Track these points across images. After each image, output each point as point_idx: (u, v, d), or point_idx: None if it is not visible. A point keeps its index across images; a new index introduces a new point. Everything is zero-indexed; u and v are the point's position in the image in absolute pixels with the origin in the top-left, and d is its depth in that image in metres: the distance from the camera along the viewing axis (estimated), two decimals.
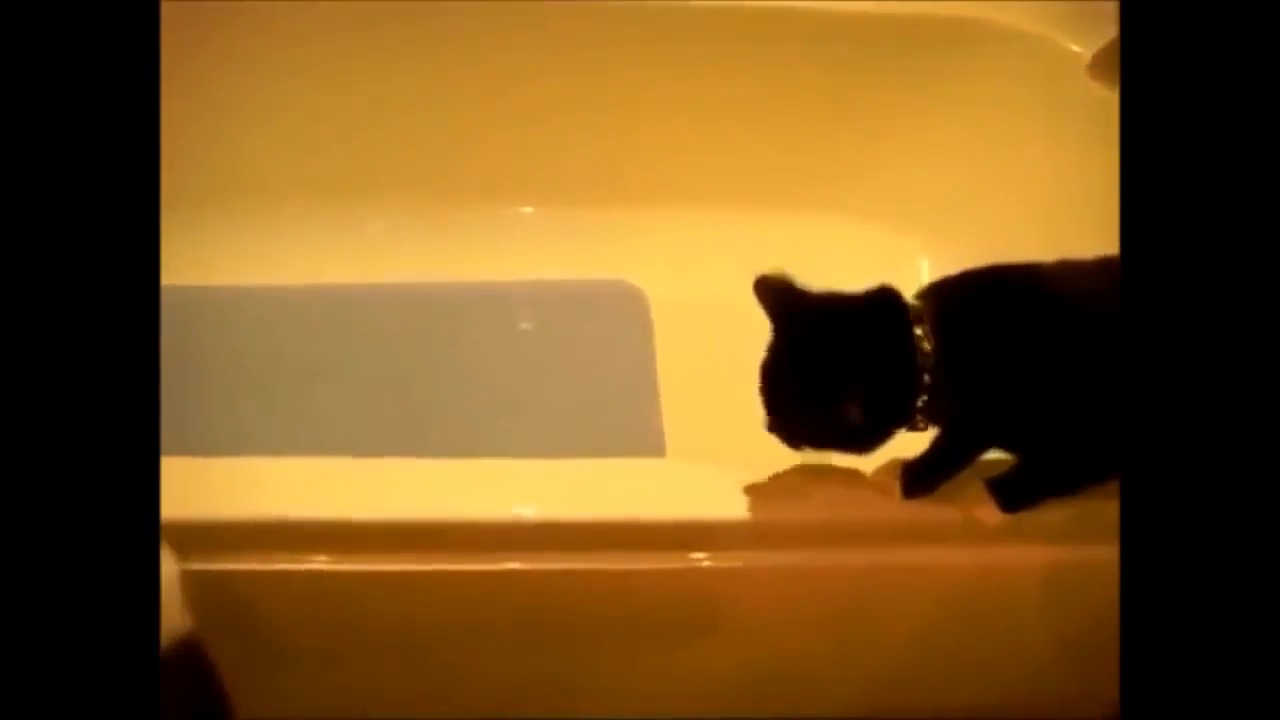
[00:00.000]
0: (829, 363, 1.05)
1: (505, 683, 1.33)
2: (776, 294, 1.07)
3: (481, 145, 1.74)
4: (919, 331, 1.03)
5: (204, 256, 1.66)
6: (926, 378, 1.03)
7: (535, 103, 1.70)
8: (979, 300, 1.08)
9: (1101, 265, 1.06)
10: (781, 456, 1.11)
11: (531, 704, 1.37)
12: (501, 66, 1.67)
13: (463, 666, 1.31)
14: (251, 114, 1.68)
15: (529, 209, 1.81)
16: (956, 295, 1.07)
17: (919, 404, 1.04)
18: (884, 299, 1.06)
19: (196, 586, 1.04)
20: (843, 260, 1.66)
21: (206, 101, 1.65)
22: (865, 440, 1.07)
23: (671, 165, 1.76)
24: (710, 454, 1.13)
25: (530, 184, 1.78)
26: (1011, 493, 1.10)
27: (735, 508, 1.13)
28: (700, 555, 1.17)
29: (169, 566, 1.03)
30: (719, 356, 1.58)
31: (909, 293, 1.08)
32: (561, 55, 1.67)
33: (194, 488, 1.09)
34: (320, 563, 1.12)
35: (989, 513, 1.10)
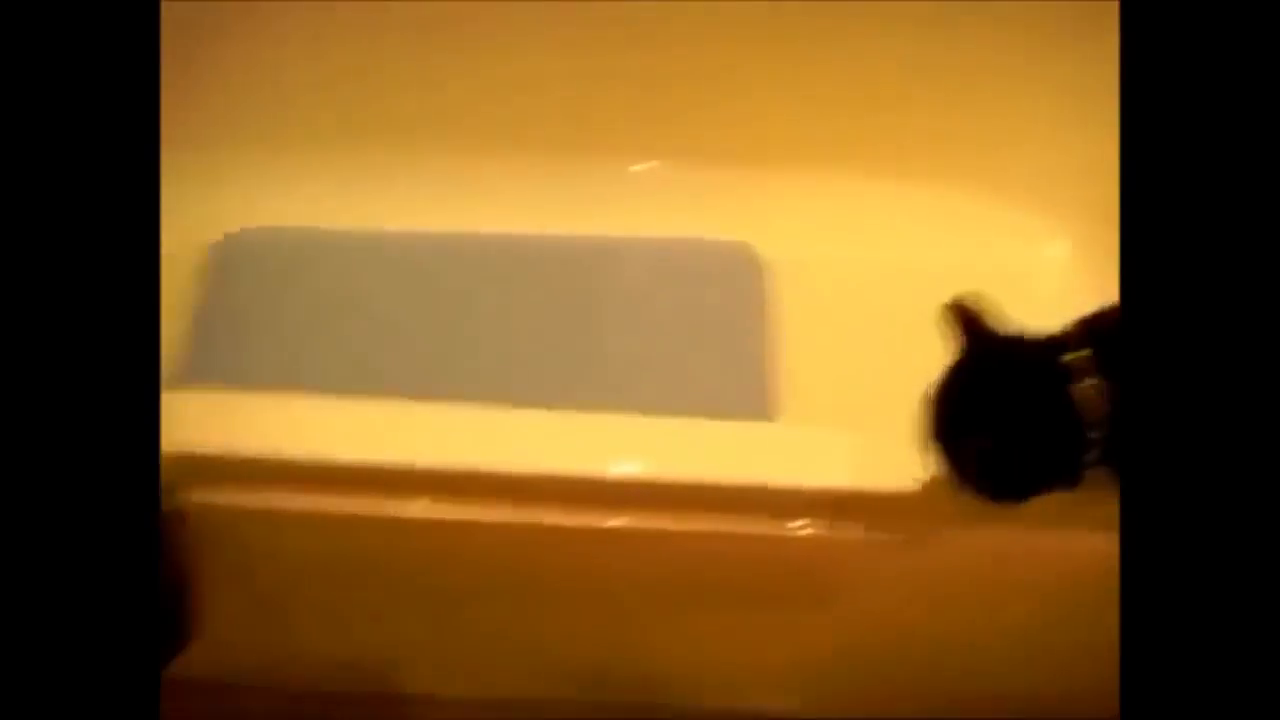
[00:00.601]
0: (974, 401, 1.02)
1: (591, 644, 1.33)
2: (964, 320, 1.03)
3: (606, 97, 1.70)
4: (1085, 383, 0.96)
5: (324, 195, 1.71)
6: (1093, 434, 0.96)
7: (667, 58, 1.67)
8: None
9: None
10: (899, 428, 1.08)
11: (614, 670, 1.37)
12: (633, 18, 1.64)
13: (546, 625, 1.31)
14: (381, 56, 1.68)
15: (651, 164, 1.77)
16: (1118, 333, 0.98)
17: (1086, 460, 0.97)
18: (1051, 346, 0.99)
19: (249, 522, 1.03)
20: (973, 238, 1.65)
21: (329, 41, 1.66)
22: (1003, 490, 1.02)
23: (807, 126, 1.71)
24: (823, 421, 1.10)
25: (653, 139, 1.74)
26: None
27: (839, 475, 1.11)
28: (799, 523, 1.15)
29: None
30: (838, 326, 1.59)
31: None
32: (696, 15, 1.63)
33: (274, 424, 1.11)
34: (418, 509, 1.13)
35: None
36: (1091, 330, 1.00)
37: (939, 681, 1.38)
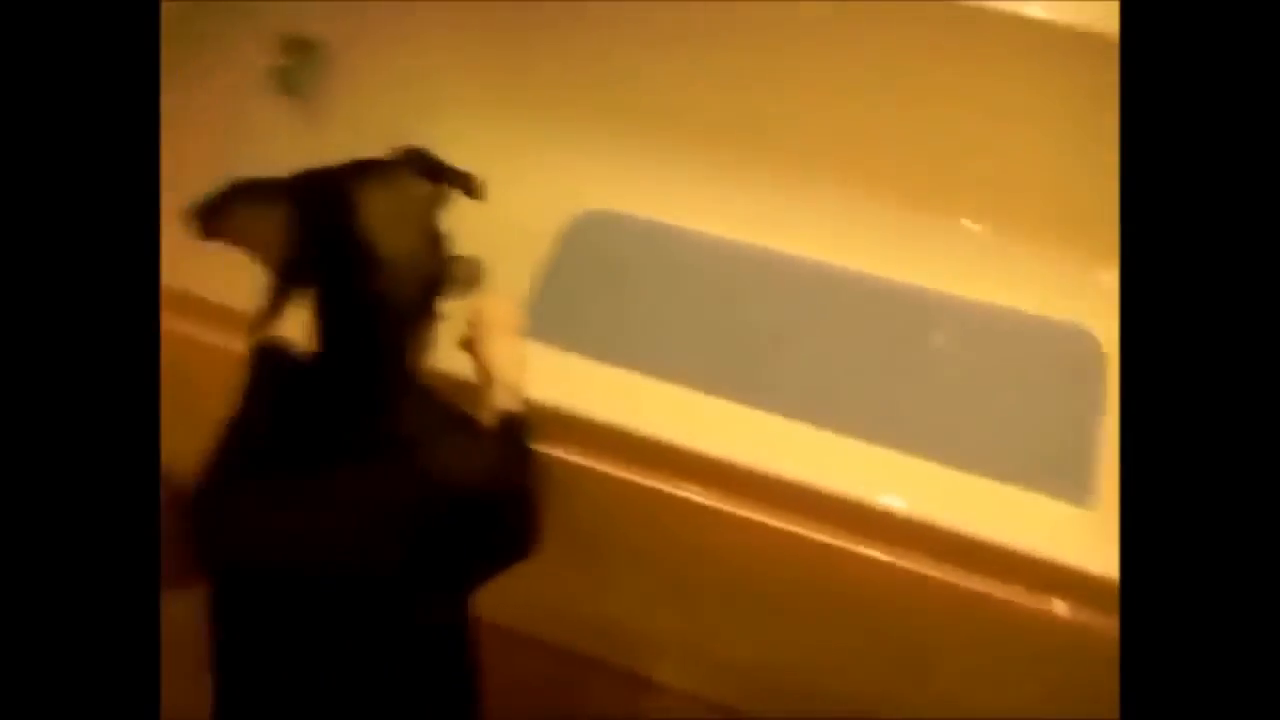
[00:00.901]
0: None
1: (827, 668, 1.34)
2: None
3: (947, 153, 1.73)
4: None
5: (678, 193, 1.84)
6: None
7: (1015, 127, 1.67)
8: None
9: None
10: None
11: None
12: (972, 78, 1.66)
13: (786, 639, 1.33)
14: (733, 76, 1.77)
15: (978, 226, 1.78)
16: None
17: None
18: None
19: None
20: None
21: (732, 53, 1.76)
22: None
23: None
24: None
25: (984, 201, 1.75)
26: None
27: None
28: (1061, 603, 1.14)
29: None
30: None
31: None
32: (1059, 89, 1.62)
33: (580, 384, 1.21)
34: (692, 490, 1.20)
35: None
36: None
37: None
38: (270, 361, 1.03)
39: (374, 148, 1.14)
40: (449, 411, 1.12)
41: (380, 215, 1.08)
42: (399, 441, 1.04)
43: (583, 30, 1.80)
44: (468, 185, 1.17)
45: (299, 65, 1.59)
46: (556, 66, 1.86)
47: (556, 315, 1.73)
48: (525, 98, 1.88)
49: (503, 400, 1.16)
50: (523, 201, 1.73)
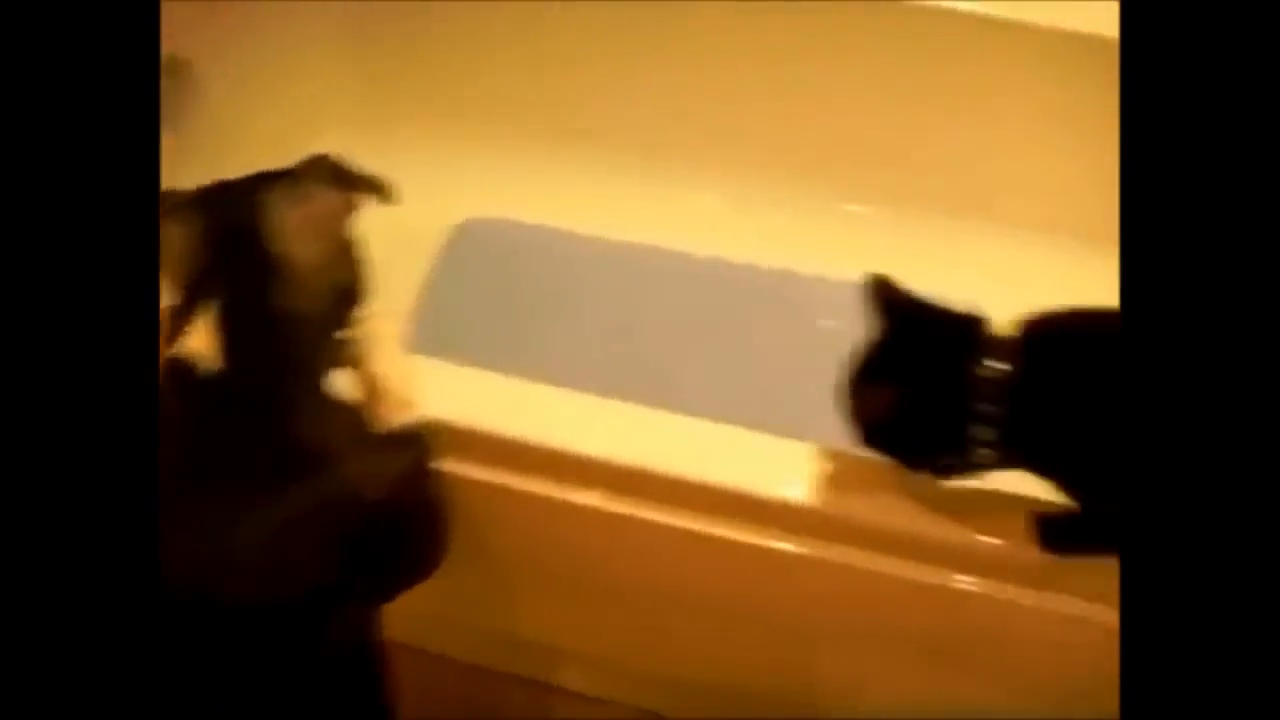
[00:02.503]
0: (883, 356, 1.06)
1: (738, 663, 1.36)
2: (881, 293, 1.08)
3: (826, 135, 1.75)
4: (990, 363, 1.00)
5: (556, 195, 1.82)
6: (987, 407, 0.99)
7: (892, 104, 1.70)
8: (1076, 344, 1.02)
9: None
10: None
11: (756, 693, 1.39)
12: (868, 67, 1.68)
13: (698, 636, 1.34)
14: (611, 71, 1.78)
15: (858, 207, 1.80)
16: (1056, 333, 1.02)
17: (979, 434, 1.00)
18: (967, 322, 1.04)
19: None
20: None
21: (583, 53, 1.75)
22: (895, 444, 1.06)
23: (1047, 188, 1.71)
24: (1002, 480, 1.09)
25: (864, 181, 1.77)
26: (1057, 533, 1.05)
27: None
28: (966, 578, 1.15)
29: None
30: None
31: None
32: (939, 65, 1.65)
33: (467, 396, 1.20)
34: (592, 499, 1.19)
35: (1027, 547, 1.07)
36: (1033, 318, 1.03)
37: None
38: (177, 377, 1.00)
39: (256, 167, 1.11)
40: (358, 426, 1.10)
41: (289, 225, 1.06)
42: (307, 457, 1.02)
43: (455, 36, 1.79)
44: (378, 190, 1.15)
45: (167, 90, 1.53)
46: (430, 74, 1.84)
47: (442, 326, 1.70)
48: (400, 108, 1.86)
49: (396, 416, 1.14)
50: (402, 212, 1.68)
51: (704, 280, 1.76)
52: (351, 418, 1.10)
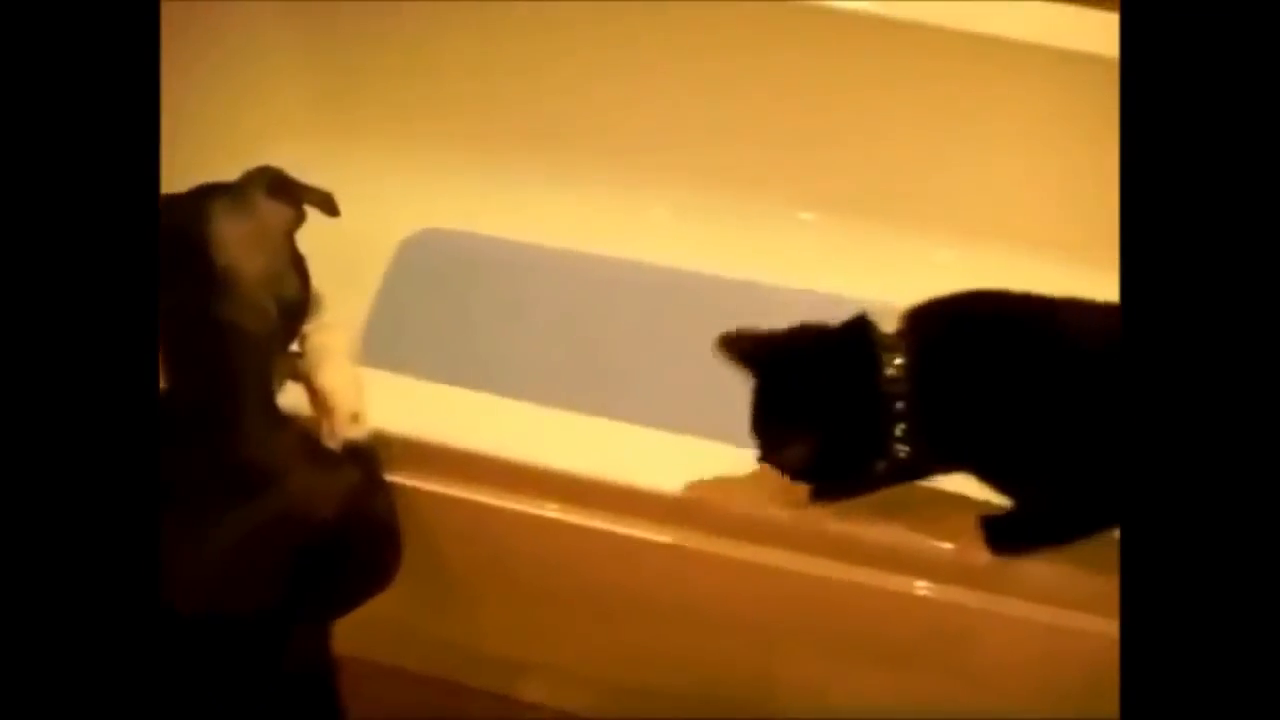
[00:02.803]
0: (783, 400, 1.03)
1: (696, 667, 1.37)
2: (742, 346, 1.05)
3: (775, 145, 1.75)
4: (890, 360, 1.00)
5: (511, 206, 1.81)
6: (900, 405, 0.99)
7: (833, 111, 1.70)
8: (962, 326, 1.03)
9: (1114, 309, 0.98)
10: None
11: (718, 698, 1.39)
12: (803, 70, 1.69)
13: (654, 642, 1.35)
14: (563, 80, 1.77)
15: (810, 215, 1.80)
16: (938, 319, 1.03)
17: (896, 433, 1.00)
18: (853, 330, 1.03)
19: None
20: None
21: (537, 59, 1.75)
22: (833, 475, 1.05)
23: (993, 198, 1.71)
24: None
25: (815, 189, 1.78)
26: (1002, 533, 1.05)
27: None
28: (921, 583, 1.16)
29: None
30: None
31: None
32: (876, 70, 1.66)
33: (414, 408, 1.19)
34: (545, 507, 1.19)
35: (977, 551, 1.06)
36: (915, 308, 1.03)
37: None
38: None
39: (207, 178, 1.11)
40: (306, 442, 1.09)
41: (234, 239, 1.06)
42: (254, 475, 1.01)
43: (404, 45, 1.78)
44: (322, 202, 1.15)
45: None
46: (384, 86, 1.82)
47: (394, 339, 1.68)
48: (354, 120, 1.84)
49: (345, 430, 1.13)
50: (356, 223, 1.67)
51: (658, 290, 1.76)
52: (299, 434, 1.08)
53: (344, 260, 1.61)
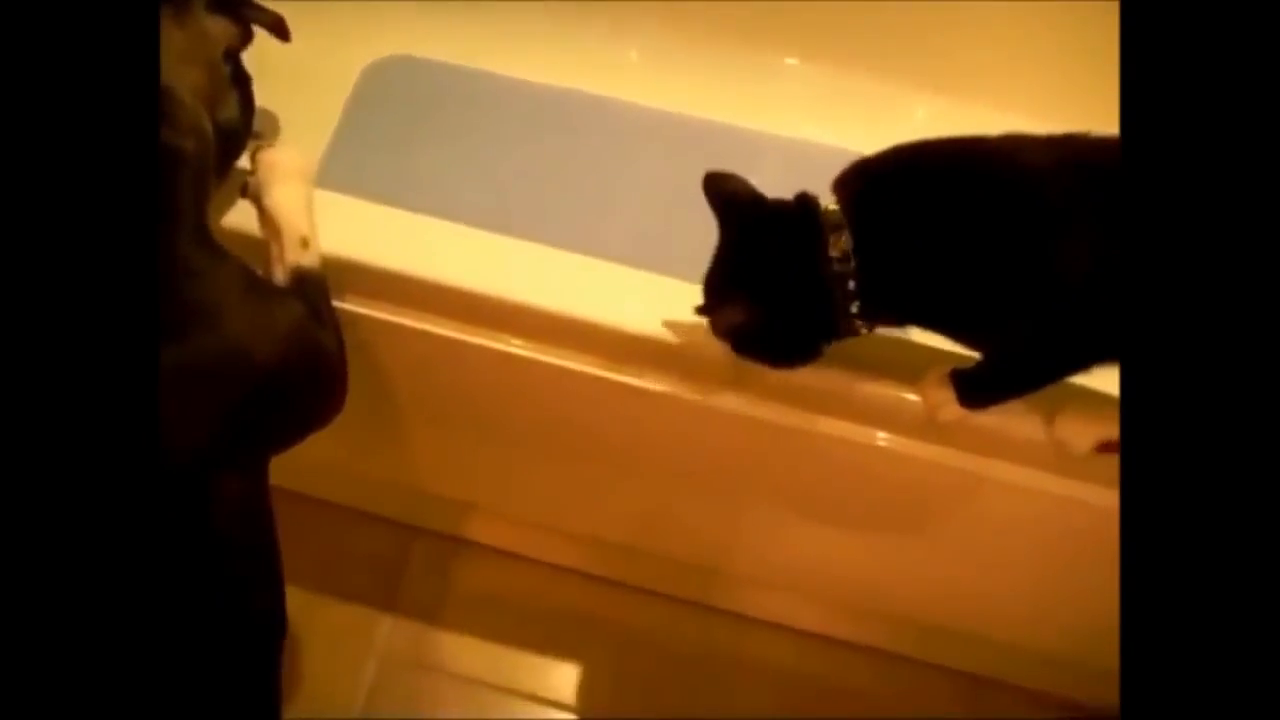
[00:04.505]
0: (731, 265, 1.03)
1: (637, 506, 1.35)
2: (718, 191, 1.05)
3: None
4: (834, 240, 0.97)
5: (481, 37, 1.75)
6: (851, 285, 0.98)
7: None
8: (895, 184, 1.00)
9: (1054, 141, 0.97)
10: None
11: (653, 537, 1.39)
12: None
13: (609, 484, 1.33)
14: None
15: (794, 60, 1.74)
16: (870, 182, 1.00)
17: (853, 310, 0.99)
18: (799, 209, 1.01)
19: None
20: None
21: None
22: (768, 354, 1.04)
23: (981, 56, 1.66)
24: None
25: (802, 35, 1.72)
26: (971, 385, 1.04)
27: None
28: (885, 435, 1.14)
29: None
30: None
31: None
32: None
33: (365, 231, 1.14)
34: (499, 340, 1.15)
35: (949, 406, 1.04)
36: (849, 173, 1.01)
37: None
38: None
39: None
40: (246, 275, 1.01)
41: (169, 52, 0.98)
42: (189, 312, 0.94)
43: None
44: (272, 23, 1.07)
45: None
46: None
47: (354, 166, 1.62)
48: None
49: (293, 254, 1.07)
50: (316, 48, 1.59)
51: (634, 128, 1.70)
52: (237, 267, 1.00)
53: (306, 84, 1.56)
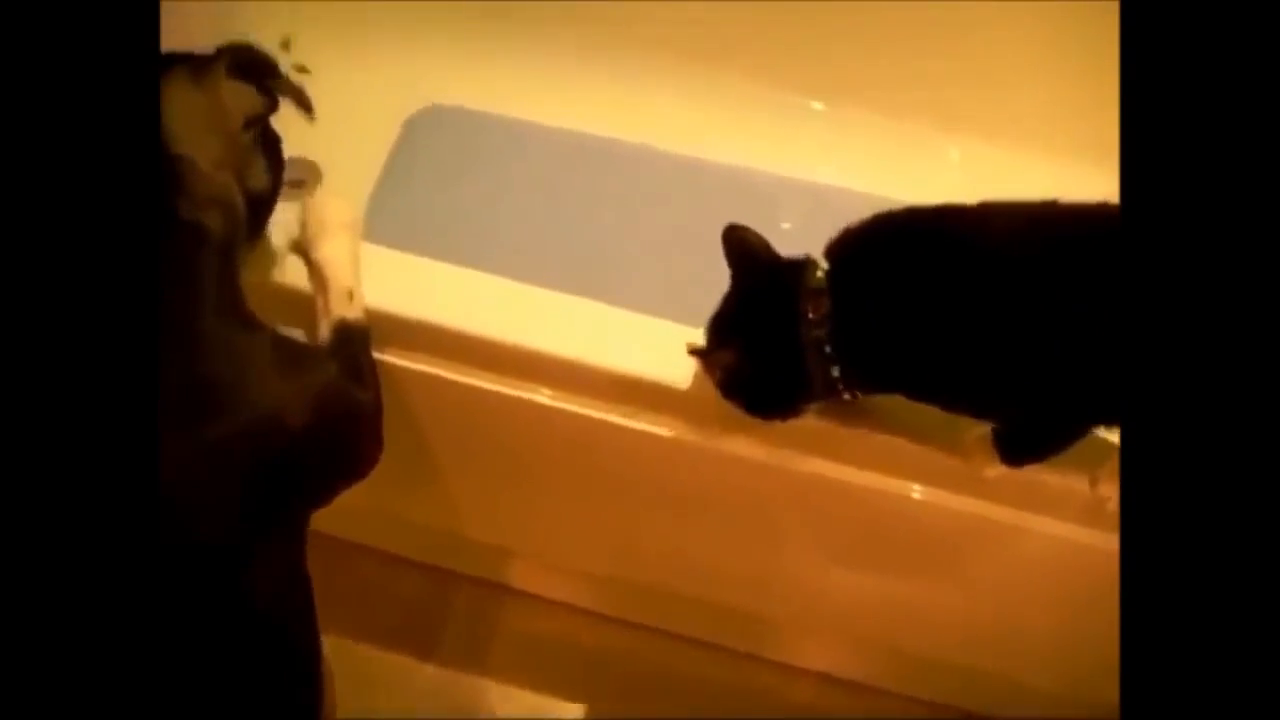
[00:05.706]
0: (729, 314, 1.06)
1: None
2: (736, 245, 1.07)
3: (789, 33, 1.70)
4: (815, 304, 0.99)
5: (518, 86, 1.78)
6: (828, 349, 0.99)
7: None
8: (873, 252, 1.01)
9: (1034, 209, 0.98)
10: None
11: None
12: None
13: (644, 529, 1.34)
14: None
15: (821, 104, 1.76)
16: (853, 248, 1.02)
17: (834, 374, 1.00)
18: (790, 270, 1.03)
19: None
20: None
21: None
22: (753, 401, 1.06)
23: (1001, 94, 1.67)
24: None
25: (828, 79, 1.73)
26: (1012, 445, 1.04)
27: None
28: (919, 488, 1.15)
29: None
30: None
31: None
32: None
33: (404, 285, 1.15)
34: (540, 392, 1.16)
35: (989, 464, 1.06)
36: (830, 251, 1.02)
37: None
38: None
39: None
40: (276, 340, 1.00)
41: (186, 121, 0.97)
42: (216, 389, 0.92)
43: None
44: (296, 97, 1.05)
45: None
46: None
47: (398, 216, 1.64)
48: None
49: (339, 307, 1.09)
50: (361, 97, 1.65)
51: (664, 175, 1.72)
52: (268, 338, 0.99)
53: (350, 135, 1.59)
